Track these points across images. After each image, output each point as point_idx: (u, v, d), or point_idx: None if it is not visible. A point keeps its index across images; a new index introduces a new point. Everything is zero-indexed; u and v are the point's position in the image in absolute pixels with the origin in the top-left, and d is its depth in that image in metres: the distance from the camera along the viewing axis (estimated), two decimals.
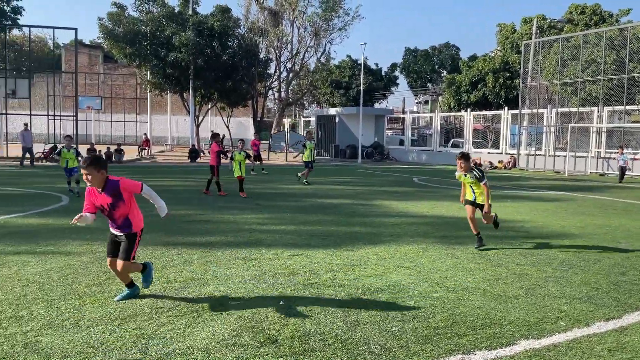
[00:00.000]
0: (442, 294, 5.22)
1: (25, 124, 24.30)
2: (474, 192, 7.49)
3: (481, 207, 7.43)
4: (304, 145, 17.47)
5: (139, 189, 4.68)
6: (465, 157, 7.41)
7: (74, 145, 12.37)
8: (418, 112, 63.31)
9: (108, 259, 4.85)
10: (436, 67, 61.92)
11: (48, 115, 29.87)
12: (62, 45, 53.10)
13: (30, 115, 26.56)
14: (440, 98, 57.47)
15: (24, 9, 31.43)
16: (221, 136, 16.35)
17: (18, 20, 31.19)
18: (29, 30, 31.79)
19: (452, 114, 41.53)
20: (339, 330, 4.19)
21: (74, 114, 27.47)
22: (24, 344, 3.79)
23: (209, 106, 38.30)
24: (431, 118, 37.31)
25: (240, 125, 49.42)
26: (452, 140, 38.11)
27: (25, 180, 16.15)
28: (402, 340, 4.01)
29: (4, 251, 6.61)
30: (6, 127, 29.21)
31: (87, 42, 58.52)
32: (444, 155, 33.60)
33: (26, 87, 28.66)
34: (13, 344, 3.79)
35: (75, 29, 27.81)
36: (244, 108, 41.12)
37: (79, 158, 12.51)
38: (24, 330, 4.05)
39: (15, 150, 27.08)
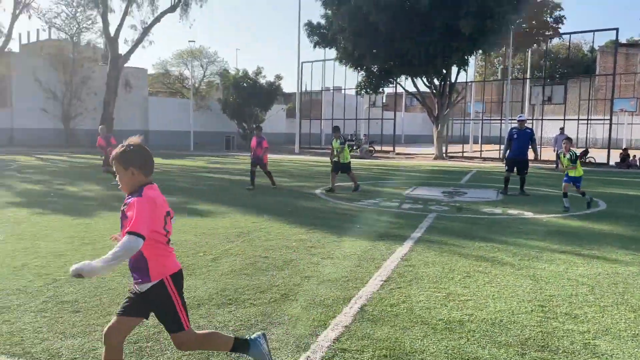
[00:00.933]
0: None
1: (561, 128, 25.27)
2: None
3: None
4: None
5: (134, 228, 2.65)
6: None
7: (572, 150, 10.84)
8: None
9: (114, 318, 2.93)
10: None
11: (579, 119, 30.11)
12: (596, 48, 52.37)
13: (564, 119, 27.43)
14: None
15: (564, 18, 32.66)
16: None
17: (559, 29, 32.70)
18: (569, 37, 32.86)
19: None
20: None
21: (608, 117, 26.56)
22: (582, 344, 3.82)
23: None
24: None
25: None
26: None
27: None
28: None
29: (550, 248, 6.97)
30: (541, 131, 31.27)
31: (624, 42, 55.48)
32: None
33: (561, 93, 29.79)
34: (572, 340, 3.89)
35: (616, 29, 26.77)
36: None
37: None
38: (580, 330, 4.10)
39: (547, 154, 28.58)
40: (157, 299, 2.87)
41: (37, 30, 58.24)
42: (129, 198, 2.81)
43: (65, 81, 36.63)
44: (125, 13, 35.81)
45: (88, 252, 6.29)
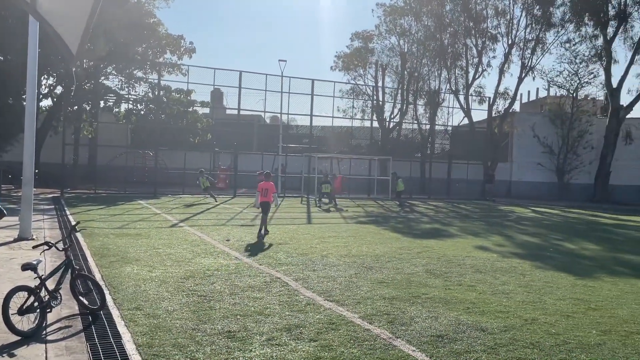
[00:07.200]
0: None
1: None
2: None
3: None
4: None
5: None
6: None
7: None
8: None
9: None
10: None
11: None
12: None
13: None
14: None
15: None
16: None
17: None
18: None
19: None
20: None
21: None
22: None
23: None
24: None
25: None
26: None
27: None
28: None
29: None
30: None
31: None
32: None
33: None
34: None
35: None
36: None
37: None
38: None
39: None
40: None
41: (537, 89, 62.12)
42: None
43: (562, 135, 37.31)
44: (631, 62, 33.78)
45: (596, 319, 6.00)
